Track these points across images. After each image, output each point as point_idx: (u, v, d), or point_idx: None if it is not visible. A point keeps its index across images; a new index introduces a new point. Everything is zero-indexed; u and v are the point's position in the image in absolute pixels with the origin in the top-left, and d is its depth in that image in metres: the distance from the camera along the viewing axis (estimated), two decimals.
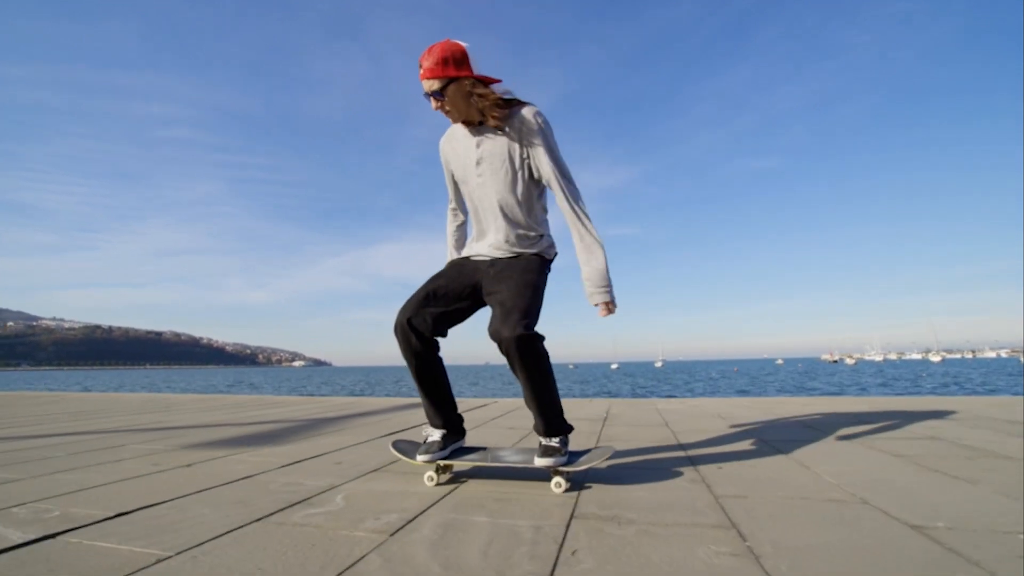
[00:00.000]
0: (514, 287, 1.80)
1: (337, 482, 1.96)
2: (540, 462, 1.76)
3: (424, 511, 1.55)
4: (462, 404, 4.95)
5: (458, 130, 1.98)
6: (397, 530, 1.38)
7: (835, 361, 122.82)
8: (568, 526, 1.40)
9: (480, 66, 1.84)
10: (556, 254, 2.04)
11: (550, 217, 2.08)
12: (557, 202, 1.90)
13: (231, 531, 1.39)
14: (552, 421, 1.85)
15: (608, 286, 1.85)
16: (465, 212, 2.23)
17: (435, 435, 1.96)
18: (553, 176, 1.87)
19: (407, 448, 2.10)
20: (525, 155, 1.87)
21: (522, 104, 1.87)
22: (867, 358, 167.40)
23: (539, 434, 1.89)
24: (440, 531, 1.37)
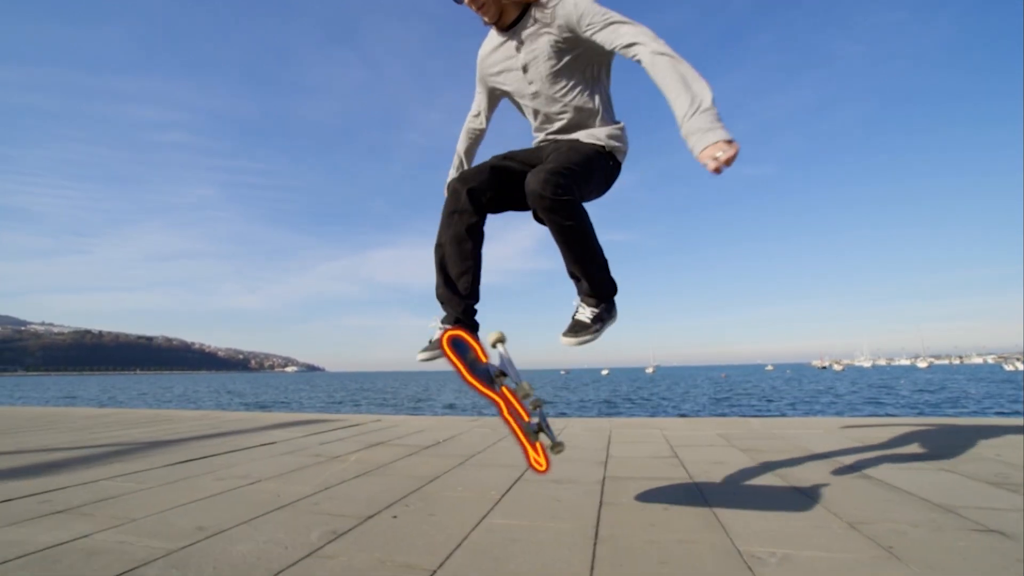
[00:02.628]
0: (561, 152, 1.70)
1: None
2: (564, 340, 1.70)
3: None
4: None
5: (494, 38, 1.84)
6: None
7: (824, 367, 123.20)
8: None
9: None
10: (625, 152, 1.85)
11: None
12: (639, 57, 1.55)
13: None
14: (595, 275, 1.72)
15: (719, 121, 1.39)
16: (485, 122, 2.10)
17: (438, 331, 1.74)
18: (620, 35, 1.57)
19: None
20: (575, 45, 1.69)
21: None
22: (856, 364, 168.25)
23: (582, 295, 1.78)
24: None
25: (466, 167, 2.13)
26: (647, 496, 1.87)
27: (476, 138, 2.13)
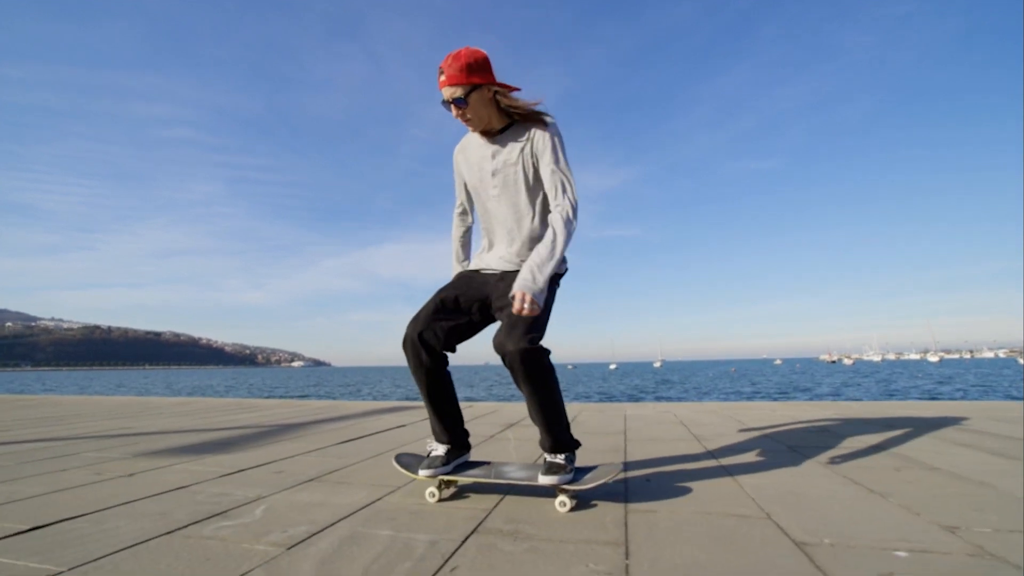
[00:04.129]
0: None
1: (266, 492, 1.98)
2: (544, 480, 1.71)
3: (333, 524, 1.58)
4: (469, 410, 4.97)
5: (474, 140, 1.97)
6: (296, 543, 1.41)
7: (833, 361, 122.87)
8: (464, 541, 1.43)
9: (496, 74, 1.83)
10: (567, 269, 1.99)
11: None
12: (550, 208, 1.83)
13: (134, 545, 1.42)
14: (558, 437, 1.80)
15: (540, 281, 1.65)
16: (474, 216, 2.21)
17: (439, 449, 1.93)
18: (553, 186, 1.81)
19: (410, 462, 2.06)
20: (538, 166, 1.85)
21: (540, 116, 1.86)
22: (866, 358, 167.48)
23: (544, 449, 1.84)
24: (337, 545, 1.40)
25: (463, 259, 2.24)
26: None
27: (467, 230, 2.25)
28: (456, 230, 2.24)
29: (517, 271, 1.87)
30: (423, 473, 1.85)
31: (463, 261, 2.23)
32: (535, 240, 1.90)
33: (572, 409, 4.85)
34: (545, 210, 1.90)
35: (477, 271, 2.01)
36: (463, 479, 1.88)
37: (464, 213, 2.21)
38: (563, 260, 1.92)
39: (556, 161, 1.81)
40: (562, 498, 1.73)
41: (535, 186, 1.88)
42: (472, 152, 1.97)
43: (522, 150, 1.85)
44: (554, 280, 1.89)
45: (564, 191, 1.79)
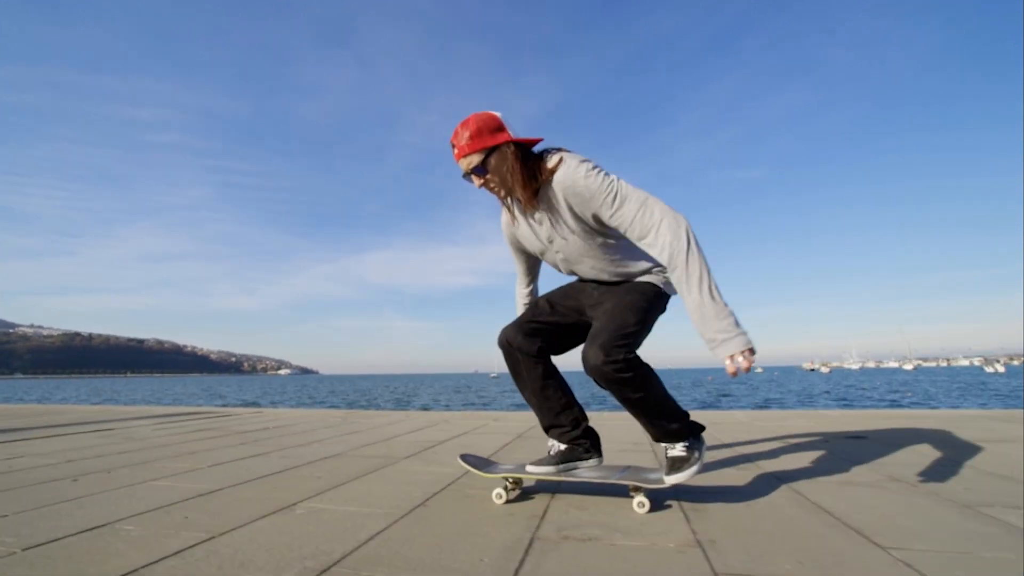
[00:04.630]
0: (613, 308, 1.64)
1: None
2: (671, 479, 1.55)
3: None
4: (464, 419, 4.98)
5: (516, 212, 1.74)
6: None
7: (812, 369, 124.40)
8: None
9: (516, 130, 1.63)
10: (672, 292, 1.74)
11: None
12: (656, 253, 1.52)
13: None
14: (667, 428, 1.62)
15: (731, 323, 1.41)
16: (533, 281, 2.06)
17: (554, 447, 1.81)
18: (632, 222, 1.52)
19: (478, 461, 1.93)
20: (586, 216, 1.60)
21: (557, 163, 1.58)
22: (845, 366, 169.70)
23: (656, 441, 1.68)
24: None
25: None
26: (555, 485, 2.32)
27: (532, 296, 2.07)
28: (519, 305, 2.09)
29: (614, 281, 1.75)
30: (530, 469, 1.74)
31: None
32: (631, 268, 1.73)
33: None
34: (621, 242, 1.69)
35: (579, 279, 1.88)
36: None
37: (526, 284, 2.05)
38: (667, 277, 1.72)
39: (609, 197, 1.52)
40: (640, 498, 1.59)
41: (597, 231, 1.64)
42: (519, 227, 1.78)
43: (560, 204, 1.60)
44: (657, 293, 1.71)
45: (648, 216, 1.50)
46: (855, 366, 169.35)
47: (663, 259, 1.49)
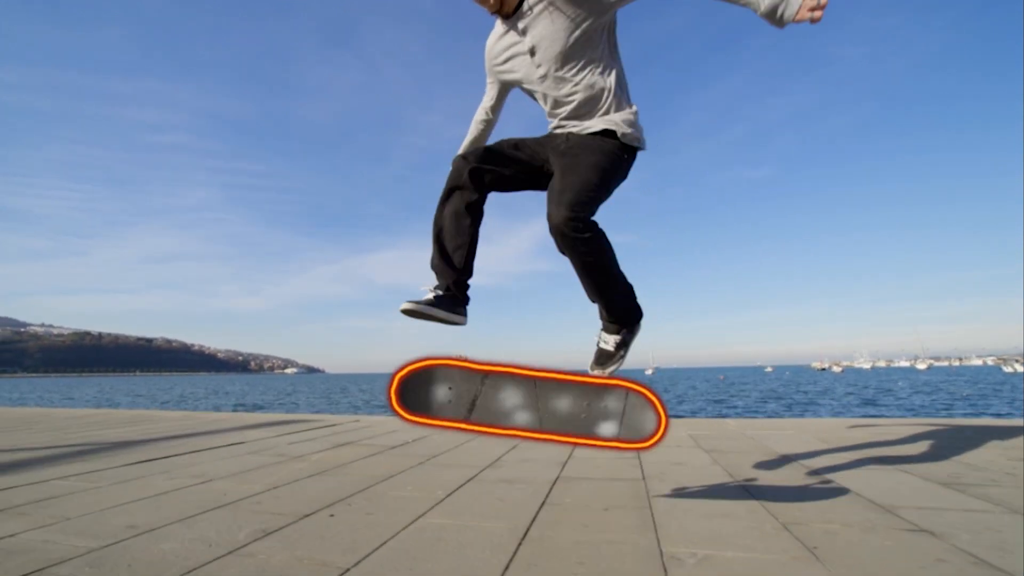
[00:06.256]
0: (577, 165, 1.66)
1: None
2: (594, 372, 1.62)
3: None
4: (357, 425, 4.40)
5: (499, 28, 1.81)
6: None
7: (823, 369, 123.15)
8: None
9: None
10: (641, 145, 1.80)
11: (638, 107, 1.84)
12: None
13: None
14: (613, 306, 1.69)
15: None
16: (497, 109, 2.07)
17: (428, 294, 1.77)
18: None
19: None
20: (581, 17, 1.63)
21: None
22: (856, 366, 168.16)
23: (602, 322, 1.75)
24: None
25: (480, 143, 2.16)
26: (593, 496, 1.86)
27: (486, 128, 2.13)
28: (474, 125, 2.11)
29: (585, 134, 1.75)
30: (404, 307, 1.72)
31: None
32: (607, 95, 1.74)
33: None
34: (605, 62, 1.73)
35: (551, 132, 1.89)
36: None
37: (489, 108, 2.05)
38: (634, 126, 1.76)
39: None
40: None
41: (584, 41, 1.67)
42: (501, 41, 1.80)
43: (552, 8, 1.63)
44: (622, 151, 1.74)
45: None
46: (866, 366, 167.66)
47: None
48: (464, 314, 1.82)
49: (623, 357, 1.73)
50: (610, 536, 1.42)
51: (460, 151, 2.15)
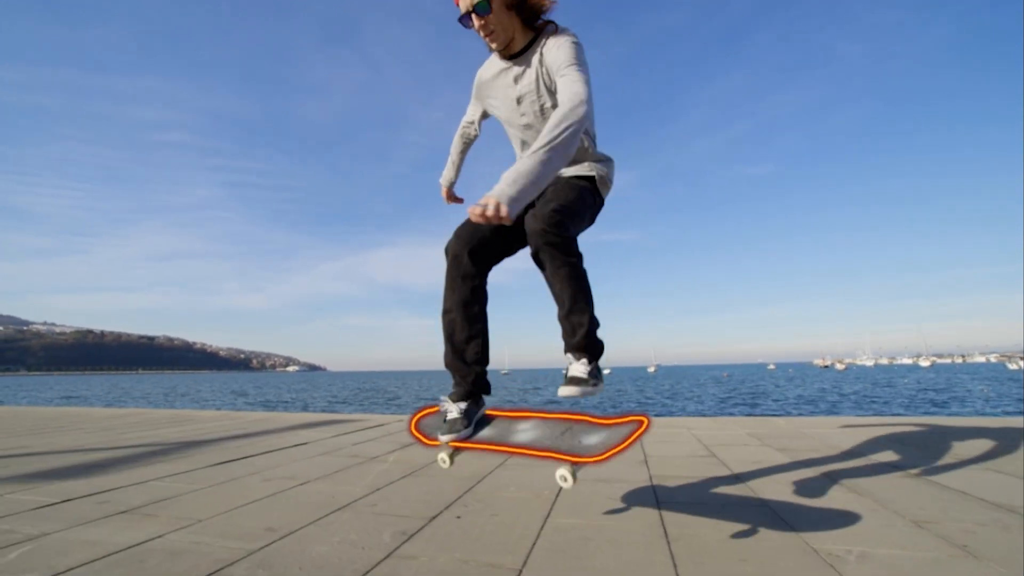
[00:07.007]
0: (558, 192, 1.66)
1: (53, 529, 1.54)
2: (564, 391, 1.56)
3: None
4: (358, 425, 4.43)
5: (495, 63, 1.81)
6: None
7: (826, 366, 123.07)
8: None
9: None
10: (610, 187, 1.85)
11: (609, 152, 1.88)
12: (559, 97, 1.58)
13: None
14: (580, 332, 1.61)
15: (518, 184, 1.34)
16: (478, 130, 2.13)
17: (453, 411, 1.71)
18: (563, 82, 1.55)
19: (430, 425, 1.83)
20: (554, 76, 1.65)
21: (556, 27, 1.70)
22: (859, 363, 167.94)
23: (566, 349, 1.66)
24: None
25: (458, 168, 2.25)
26: (699, 495, 1.89)
27: (469, 142, 2.19)
28: (457, 139, 2.17)
29: (566, 177, 1.77)
30: (443, 439, 1.67)
31: (456, 167, 2.24)
32: (581, 151, 1.78)
33: None
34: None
35: None
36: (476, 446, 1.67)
37: (472, 124, 2.09)
38: (605, 172, 1.81)
39: (571, 63, 1.58)
40: (562, 472, 1.42)
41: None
42: (497, 78, 1.81)
43: (540, 64, 1.68)
44: (595, 189, 1.78)
45: (575, 82, 1.53)
46: (869, 363, 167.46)
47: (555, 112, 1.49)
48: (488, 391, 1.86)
49: (596, 387, 1.59)
50: (750, 533, 1.45)
51: (445, 169, 2.26)
